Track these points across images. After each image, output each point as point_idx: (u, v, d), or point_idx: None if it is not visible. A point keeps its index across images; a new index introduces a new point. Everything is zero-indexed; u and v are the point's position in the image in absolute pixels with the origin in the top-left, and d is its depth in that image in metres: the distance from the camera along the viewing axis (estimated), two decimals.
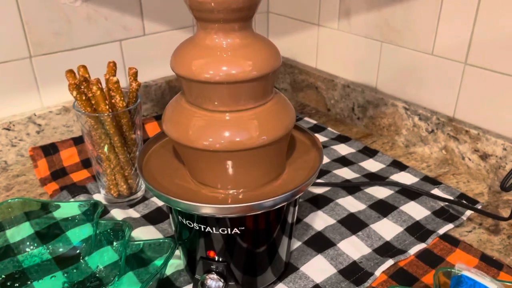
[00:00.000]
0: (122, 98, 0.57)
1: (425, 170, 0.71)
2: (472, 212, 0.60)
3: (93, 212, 0.55)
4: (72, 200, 0.63)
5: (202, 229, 0.43)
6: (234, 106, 0.41)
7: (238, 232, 0.42)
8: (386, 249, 0.54)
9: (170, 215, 0.47)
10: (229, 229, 0.42)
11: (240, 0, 0.37)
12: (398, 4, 0.72)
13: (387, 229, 0.57)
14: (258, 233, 0.44)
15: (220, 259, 0.44)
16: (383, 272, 0.51)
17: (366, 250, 0.54)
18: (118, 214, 0.60)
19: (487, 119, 0.66)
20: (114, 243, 0.54)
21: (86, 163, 0.71)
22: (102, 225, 0.54)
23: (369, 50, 0.79)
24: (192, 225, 0.43)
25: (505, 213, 0.61)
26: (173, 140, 0.43)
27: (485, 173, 0.67)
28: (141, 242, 0.50)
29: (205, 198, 0.42)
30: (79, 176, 0.70)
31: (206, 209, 0.39)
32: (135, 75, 0.58)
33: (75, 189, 0.65)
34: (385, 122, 0.79)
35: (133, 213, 0.61)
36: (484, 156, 0.66)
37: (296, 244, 0.55)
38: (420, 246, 0.55)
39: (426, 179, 0.68)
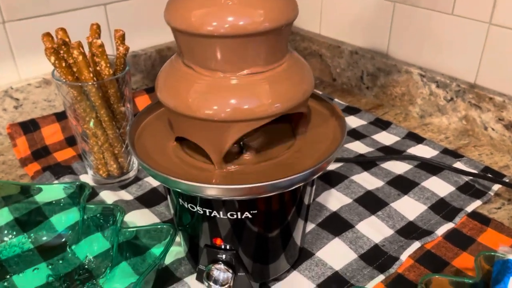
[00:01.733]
0: (108, 65, 0.49)
1: (443, 142, 0.65)
2: (500, 186, 0.55)
3: (80, 195, 0.49)
4: (56, 182, 0.56)
5: (207, 214, 0.36)
6: (242, 67, 0.34)
7: (249, 216, 0.36)
8: (410, 230, 0.49)
9: (168, 197, 0.41)
10: (238, 213, 0.36)
11: None
12: None
13: (409, 207, 0.52)
14: (272, 216, 0.37)
15: (228, 247, 0.38)
16: (409, 256, 0.46)
17: (388, 232, 0.48)
18: (108, 196, 0.54)
19: None
20: (105, 230, 0.48)
21: (71, 141, 0.64)
22: (90, 210, 0.47)
23: (379, 12, 0.72)
24: (195, 209, 0.37)
25: None
26: (169, 109, 0.36)
27: (510, 144, 0.61)
28: (135, 229, 0.44)
29: (209, 176, 0.36)
30: (63, 155, 0.63)
31: (211, 191, 0.33)
32: (122, 38, 0.51)
33: (59, 170, 0.58)
34: (397, 91, 0.73)
35: (125, 195, 0.55)
36: (510, 126, 0.60)
37: (310, 226, 0.49)
38: (448, 226, 0.49)
39: (446, 151, 0.62)
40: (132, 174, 0.58)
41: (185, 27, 0.33)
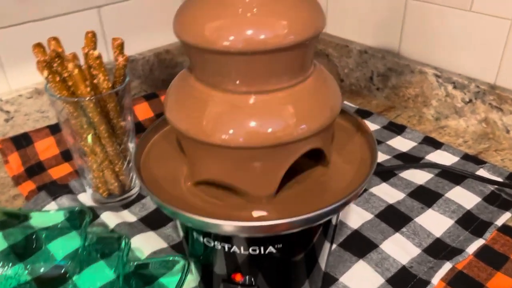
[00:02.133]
0: (107, 77, 0.45)
1: (462, 146, 0.61)
2: None
3: (80, 222, 0.45)
4: (52, 203, 0.52)
5: (225, 249, 0.32)
6: (262, 85, 0.30)
7: (274, 251, 0.32)
8: (438, 249, 0.45)
9: (178, 225, 0.37)
10: (261, 248, 0.32)
11: None
12: None
13: (435, 222, 0.48)
14: (298, 247, 0.34)
15: (248, 283, 0.35)
16: (441, 279, 0.42)
17: (415, 251, 0.45)
18: (110, 219, 0.50)
19: None
20: (109, 258, 0.44)
21: (67, 155, 0.60)
22: (92, 236, 0.43)
23: (390, 9, 0.68)
24: (212, 244, 0.33)
25: None
26: (180, 133, 0.32)
27: None
28: (143, 262, 0.40)
29: (228, 208, 0.32)
30: (59, 171, 0.58)
31: (234, 228, 0.29)
32: (121, 48, 0.46)
33: (56, 189, 0.54)
34: (410, 93, 0.69)
35: (128, 216, 0.51)
36: None
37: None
38: (478, 242, 0.46)
39: (467, 157, 0.58)
40: (134, 191, 0.54)
41: (198, 41, 0.29)
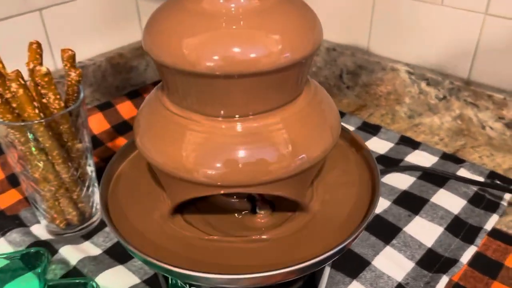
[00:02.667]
0: (58, 96, 0.39)
1: (439, 144, 0.60)
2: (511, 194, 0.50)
3: (37, 263, 0.39)
4: (1, 239, 0.46)
5: None
6: (250, 111, 0.26)
7: None
8: (432, 260, 0.43)
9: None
10: None
11: None
12: None
13: (424, 231, 0.46)
14: (300, 283, 0.30)
15: None
16: None
17: (409, 265, 0.42)
18: (70, 253, 0.44)
19: (510, 80, 0.56)
20: None
21: (14, 180, 0.53)
22: (53, 283, 0.38)
23: (358, 4, 0.65)
24: None
25: None
26: (156, 167, 0.27)
27: (511, 143, 0.57)
28: None
29: (217, 254, 0.28)
30: (6, 199, 0.51)
31: (226, 281, 0.25)
32: (72, 60, 0.40)
33: (4, 223, 0.47)
34: (382, 90, 0.67)
35: (91, 248, 0.45)
36: (511, 124, 0.56)
37: None
38: (470, 250, 0.44)
39: (446, 157, 0.57)
40: (95, 219, 0.48)
41: (174, 62, 0.24)
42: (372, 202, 0.28)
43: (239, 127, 0.26)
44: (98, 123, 0.62)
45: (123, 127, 0.63)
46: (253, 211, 0.30)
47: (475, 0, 0.54)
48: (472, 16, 0.56)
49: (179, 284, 0.29)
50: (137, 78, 0.72)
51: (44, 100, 0.39)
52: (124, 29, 0.70)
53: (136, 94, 0.69)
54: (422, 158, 0.56)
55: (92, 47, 0.67)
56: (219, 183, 0.25)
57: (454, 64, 0.60)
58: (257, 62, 0.23)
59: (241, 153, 0.25)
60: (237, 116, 0.25)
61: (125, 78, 0.71)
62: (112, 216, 0.29)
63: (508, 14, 0.53)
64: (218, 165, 0.25)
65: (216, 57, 0.23)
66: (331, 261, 0.30)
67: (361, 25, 0.66)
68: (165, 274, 0.26)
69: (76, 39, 0.65)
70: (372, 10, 0.64)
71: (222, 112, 0.25)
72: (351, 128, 0.63)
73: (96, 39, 0.67)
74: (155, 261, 0.25)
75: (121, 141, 0.61)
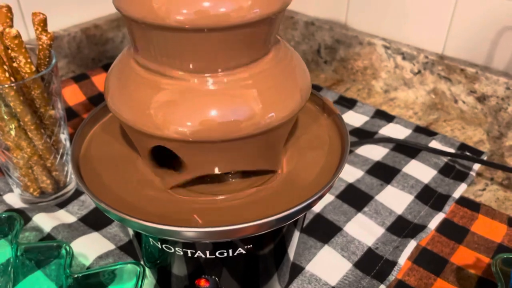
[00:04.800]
0: (29, 60, 0.38)
1: (412, 118, 0.61)
2: (480, 165, 0.52)
3: (9, 230, 0.39)
4: None
5: (188, 254, 0.28)
6: (220, 67, 0.26)
7: (243, 252, 0.29)
8: (401, 226, 0.44)
9: (130, 231, 0.32)
10: (230, 251, 0.28)
11: None
12: None
13: (395, 199, 0.47)
14: (270, 245, 0.31)
15: (213, 286, 0.31)
16: (407, 258, 0.41)
17: (379, 231, 0.44)
18: (44, 221, 0.44)
19: (483, 55, 0.57)
20: (47, 267, 0.38)
21: None
22: (25, 246, 0.38)
23: None
24: (172, 250, 0.29)
25: None
26: (126, 125, 0.27)
27: (482, 116, 0.58)
28: (89, 272, 0.35)
29: (187, 209, 0.28)
30: None
31: (196, 234, 0.25)
32: (43, 24, 0.40)
33: None
34: (359, 65, 0.67)
35: (66, 216, 0.45)
36: (482, 98, 0.57)
37: None
38: (438, 217, 0.45)
39: (419, 130, 0.58)
40: (71, 187, 0.48)
41: (143, 15, 0.24)
42: (340, 164, 0.29)
43: (209, 83, 0.26)
44: (73, 95, 0.62)
45: (99, 99, 0.63)
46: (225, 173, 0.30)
47: None
48: None
49: (152, 244, 0.30)
50: (114, 51, 0.71)
51: (14, 64, 0.39)
52: None
53: None
54: (396, 131, 0.58)
55: (66, 17, 0.66)
56: (190, 139, 0.25)
57: (429, 38, 0.60)
58: (227, 16, 0.23)
59: (212, 109, 0.25)
60: (207, 72, 0.26)
61: (101, 50, 0.70)
62: (84, 176, 0.29)
63: None
64: (189, 122, 0.25)
65: (185, 11, 0.23)
66: (299, 217, 0.31)
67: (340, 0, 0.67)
68: (139, 231, 0.26)
69: (50, 8, 0.63)
70: None
71: (191, 67, 0.25)
72: None
73: (71, 9, 0.66)
74: (128, 217, 0.25)
75: None
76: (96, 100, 0.62)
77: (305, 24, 0.70)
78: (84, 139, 0.33)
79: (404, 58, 0.62)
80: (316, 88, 0.66)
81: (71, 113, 0.59)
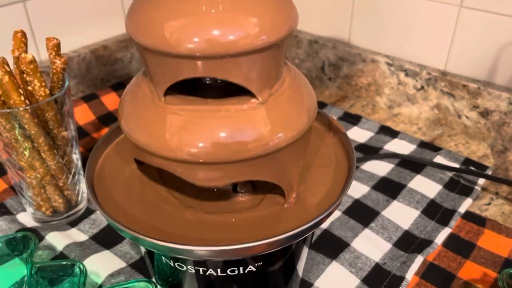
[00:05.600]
0: (44, 83, 0.40)
1: (417, 133, 0.62)
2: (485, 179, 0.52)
3: (24, 248, 0.40)
4: None
5: (200, 272, 0.29)
6: (231, 92, 0.27)
7: (254, 269, 0.29)
8: (408, 242, 0.45)
9: (142, 249, 0.33)
10: (241, 269, 0.29)
11: None
12: None
13: (401, 214, 0.48)
14: (280, 261, 0.31)
15: None
16: (414, 273, 0.42)
17: (386, 246, 0.44)
18: (57, 239, 0.45)
19: (485, 71, 0.58)
20: (61, 286, 0.39)
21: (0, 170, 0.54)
22: (39, 265, 0.38)
23: None
24: (184, 268, 0.29)
25: None
26: (139, 148, 0.28)
27: (486, 131, 0.59)
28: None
29: (199, 227, 0.29)
30: None
31: (211, 253, 0.26)
32: (57, 49, 0.41)
33: None
34: (363, 82, 0.68)
35: (78, 234, 0.46)
36: (485, 113, 0.58)
37: None
38: (445, 231, 0.46)
39: (423, 145, 0.59)
40: (82, 206, 0.49)
41: (156, 44, 0.25)
42: (347, 181, 0.30)
43: (220, 109, 0.27)
44: (83, 114, 0.63)
45: (108, 118, 0.64)
46: (234, 190, 0.31)
47: None
48: (448, 8, 0.58)
49: (164, 261, 0.30)
50: (122, 70, 0.73)
51: (29, 88, 0.40)
52: (109, 21, 0.71)
53: (120, 86, 0.70)
54: (400, 147, 0.58)
55: (76, 39, 0.67)
56: (201, 160, 0.26)
57: (432, 55, 0.62)
58: (235, 43, 0.24)
59: (223, 133, 0.26)
60: (218, 97, 0.27)
61: (110, 70, 0.71)
62: (98, 196, 0.30)
63: (482, 7, 0.55)
64: (201, 144, 0.26)
65: (196, 39, 0.24)
66: (308, 235, 0.31)
67: (342, 18, 0.68)
68: (151, 249, 0.27)
69: (61, 30, 0.65)
70: (353, 3, 0.66)
71: (203, 95, 0.26)
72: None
73: (80, 31, 0.68)
74: (142, 237, 0.26)
75: None
76: (106, 119, 0.64)
77: (309, 42, 0.71)
78: (98, 160, 0.34)
79: (407, 75, 0.63)
80: (321, 104, 0.67)
81: (81, 132, 0.60)
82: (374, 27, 0.65)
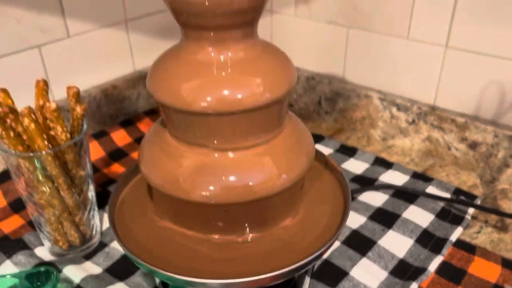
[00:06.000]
0: (65, 128, 0.44)
1: (410, 164, 0.65)
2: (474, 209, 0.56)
3: (45, 279, 0.42)
4: (7, 261, 0.49)
5: None
6: (240, 142, 0.30)
7: None
8: (403, 270, 0.48)
9: (157, 279, 0.36)
10: None
11: None
12: None
13: (396, 243, 0.51)
14: None
15: None
16: None
17: (383, 275, 0.47)
18: (73, 272, 0.48)
19: (471, 105, 0.62)
20: None
21: (16, 206, 0.57)
22: None
23: (333, 38, 0.72)
24: None
25: (504, 204, 0.57)
26: (156, 188, 0.32)
27: (475, 162, 0.63)
28: None
29: (209, 261, 0.32)
30: (10, 225, 0.55)
31: (223, 286, 0.29)
32: (77, 96, 0.45)
33: (10, 246, 0.51)
34: (357, 115, 0.72)
35: (93, 267, 0.49)
36: (473, 145, 0.62)
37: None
38: (437, 259, 0.49)
39: (416, 176, 0.62)
40: (95, 240, 0.52)
41: (174, 102, 0.29)
42: (344, 217, 0.33)
43: (229, 155, 0.30)
44: (94, 151, 0.66)
45: (118, 154, 0.67)
46: (242, 226, 0.35)
47: (436, 34, 0.61)
48: (434, 48, 0.62)
49: None
50: (130, 107, 0.77)
51: (52, 133, 0.44)
52: (117, 62, 0.75)
53: (129, 123, 0.73)
54: (395, 177, 0.62)
55: (86, 80, 0.71)
56: (212, 202, 0.30)
57: (421, 91, 0.66)
58: (243, 101, 0.28)
59: (232, 177, 0.30)
60: (227, 146, 0.30)
61: (118, 108, 0.75)
62: (119, 232, 0.34)
63: (466, 47, 0.59)
64: (212, 187, 0.30)
65: (209, 98, 0.28)
66: (309, 267, 0.35)
67: (337, 56, 0.73)
68: (167, 281, 0.30)
69: (73, 72, 0.69)
70: (346, 42, 0.71)
71: (214, 142, 0.30)
72: (330, 150, 0.68)
73: (90, 72, 0.72)
74: (160, 270, 0.29)
75: (117, 168, 0.65)
76: (115, 155, 0.67)
77: (306, 78, 0.76)
78: (118, 199, 0.37)
79: (398, 109, 0.67)
80: (318, 137, 0.71)
81: (93, 168, 0.64)
82: (366, 65, 0.70)
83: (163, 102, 0.29)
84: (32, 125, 0.41)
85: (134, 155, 0.67)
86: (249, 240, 0.34)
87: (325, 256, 0.49)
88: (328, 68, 0.75)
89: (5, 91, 0.44)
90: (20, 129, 0.42)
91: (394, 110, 0.68)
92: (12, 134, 0.41)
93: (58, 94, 0.69)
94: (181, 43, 0.30)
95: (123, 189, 0.38)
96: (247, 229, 0.35)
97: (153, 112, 0.78)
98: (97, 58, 0.72)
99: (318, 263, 0.48)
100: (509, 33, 0.55)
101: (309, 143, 0.33)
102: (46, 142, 0.42)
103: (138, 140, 0.71)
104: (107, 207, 0.55)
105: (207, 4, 0.26)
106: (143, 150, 0.33)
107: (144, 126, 0.74)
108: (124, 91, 0.75)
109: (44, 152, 0.42)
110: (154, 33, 0.79)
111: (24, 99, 0.49)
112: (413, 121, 0.66)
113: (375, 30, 0.66)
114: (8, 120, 0.41)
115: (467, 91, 0.61)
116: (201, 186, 0.30)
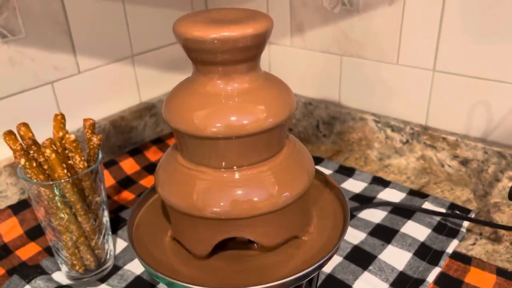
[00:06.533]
0: (83, 157, 0.47)
1: (406, 182, 0.69)
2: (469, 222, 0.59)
3: None
4: (27, 286, 0.52)
5: None
6: (245, 162, 0.34)
7: None
8: (403, 281, 0.50)
9: None
10: None
11: (249, 36, 0.31)
12: (355, 16, 0.69)
13: (396, 257, 0.53)
14: None
15: None
16: None
17: (384, 287, 0.50)
18: None
19: (461, 124, 0.66)
20: None
21: (32, 234, 0.60)
22: None
23: (328, 65, 0.76)
24: None
25: (497, 217, 0.60)
26: (171, 207, 0.35)
27: (467, 178, 0.66)
28: None
29: (220, 273, 0.35)
30: (27, 252, 0.58)
31: None
32: (93, 127, 0.48)
33: (28, 272, 0.53)
34: (354, 137, 0.76)
35: None
36: (465, 161, 0.65)
37: None
38: (435, 271, 0.51)
39: (412, 193, 0.65)
40: (110, 263, 0.55)
41: (187, 129, 0.32)
42: (343, 229, 0.36)
43: (237, 175, 0.34)
44: (105, 180, 0.69)
45: (127, 182, 0.71)
46: (251, 241, 0.38)
47: (424, 59, 0.65)
48: (423, 72, 0.66)
49: None
50: (137, 137, 0.81)
51: (70, 162, 0.47)
52: (125, 94, 0.79)
53: (136, 151, 0.77)
54: (392, 195, 0.65)
55: (96, 112, 0.75)
56: (223, 217, 0.33)
57: (413, 112, 0.70)
58: (248, 126, 0.32)
59: (239, 195, 0.33)
60: (235, 167, 0.34)
61: (126, 138, 0.79)
62: (138, 251, 0.37)
63: (452, 70, 0.63)
64: (222, 203, 0.33)
65: (218, 125, 0.32)
66: (313, 277, 0.37)
67: (332, 82, 0.77)
68: None
69: (83, 105, 0.73)
70: (340, 69, 0.75)
71: (223, 164, 0.33)
72: (329, 171, 0.71)
73: (99, 105, 0.76)
74: (179, 282, 0.32)
75: (126, 194, 0.68)
76: (125, 182, 0.71)
77: (304, 104, 0.80)
78: (135, 220, 0.40)
79: (393, 130, 0.71)
80: (318, 159, 0.75)
81: None
82: (360, 89, 0.74)
83: (178, 128, 0.33)
84: (53, 155, 0.44)
85: (143, 182, 0.71)
86: (256, 253, 0.37)
87: (328, 270, 0.51)
88: (324, 93, 0.79)
89: (25, 125, 0.48)
90: (41, 159, 0.45)
91: (388, 131, 0.71)
92: (34, 164, 0.44)
93: (69, 126, 0.72)
94: (193, 76, 0.34)
95: (139, 211, 0.41)
96: (255, 244, 0.38)
97: (159, 141, 0.81)
98: (106, 91, 0.76)
99: (322, 277, 0.51)
100: (492, 55, 0.60)
101: (309, 161, 0.37)
102: (65, 171, 0.46)
103: (145, 167, 0.74)
104: (119, 231, 0.58)
105: (216, 42, 0.30)
106: (158, 174, 0.36)
107: (151, 154, 0.78)
108: (131, 121, 0.79)
109: (63, 180, 0.45)
110: (158, 67, 0.84)
111: (40, 132, 0.52)
112: (407, 141, 0.70)
113: (367, 57, 0.71)
114: (31, 152, 0.44)
115: (457, 111, 0.65)
116: (212, 204, 0.33)
